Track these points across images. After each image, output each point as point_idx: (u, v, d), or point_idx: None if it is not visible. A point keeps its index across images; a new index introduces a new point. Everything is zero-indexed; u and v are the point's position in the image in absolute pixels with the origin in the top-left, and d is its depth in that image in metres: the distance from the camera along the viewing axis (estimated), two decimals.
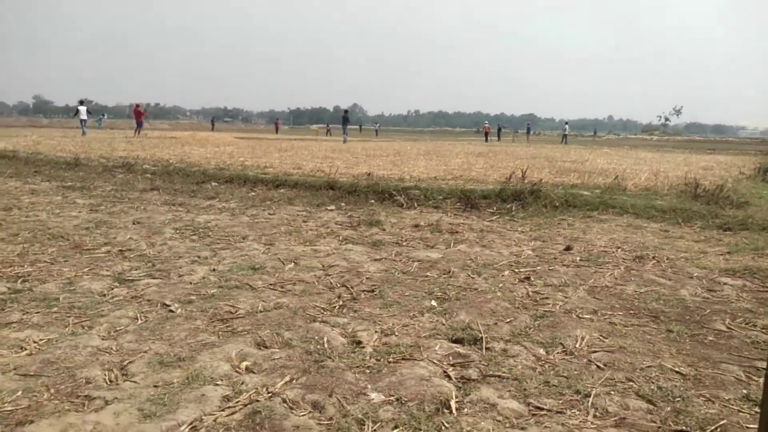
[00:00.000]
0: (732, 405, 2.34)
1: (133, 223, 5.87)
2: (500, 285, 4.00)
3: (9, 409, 2.16)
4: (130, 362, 2.60)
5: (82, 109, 28.65)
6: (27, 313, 3.19)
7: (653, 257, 4.92)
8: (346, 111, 32.26)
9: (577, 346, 2.92)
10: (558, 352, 2.84)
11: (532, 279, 4.17)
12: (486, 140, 44.26)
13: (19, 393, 2.28)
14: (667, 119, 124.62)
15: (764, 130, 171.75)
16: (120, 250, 4.70)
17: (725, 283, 4.17)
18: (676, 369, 2.67)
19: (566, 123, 51.61)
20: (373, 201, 7.78)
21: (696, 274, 4.42)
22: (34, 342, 2.78)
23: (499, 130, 53.75)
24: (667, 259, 4.89)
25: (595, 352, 2.86)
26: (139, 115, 30.58)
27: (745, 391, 2.46)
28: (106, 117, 63.79)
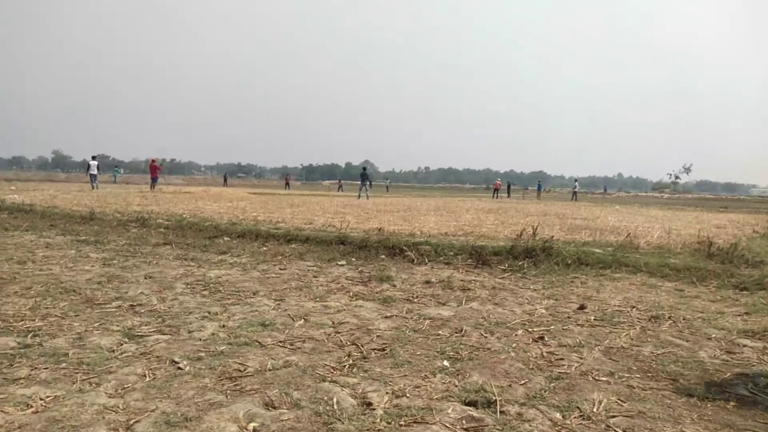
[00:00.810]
0: None
1: (145, 278, 5.89)
2: (514, 345, 3.93)
3: None
4: (136, 422, 2.55)
5: (93, 164, 29.89)
6: (35, 368, 3.17)
7: (669, 317, 4.83)
8: (364, 168, 31.63)
9: (594, 410, 2.83)
10: (575, 417, 2.76)
11: (546, 339, 4.10)
12: (494, 196, 44.53)
13: None
14: (677, 177, 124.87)
15: None
16: (131, 305, 4.70)
17: (745, 345, 4.07)
18: None
19: (576, 180, 52.02)
20: (383, 256, 7.77)
21: (714, 336, 4.31)
22: (41, 399, 2.75)
23: (509, 186, 54.20)
24: (683, 319, 4.80)
25: (613, 417, 2.77)
26: (154, 170, 31.28)
27: None
28: (122, 172, 65.13)
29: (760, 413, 2.89)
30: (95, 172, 29.90)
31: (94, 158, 30.64)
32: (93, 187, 28.48)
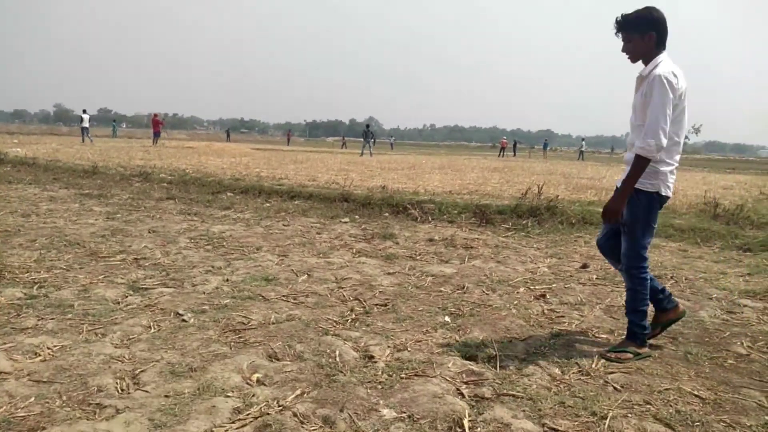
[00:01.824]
0: None
1: (149, 232, 5.91)
2: (515, 302, 3.95)
3: (21, 414, 2.16)
4: (141, 371, 2.59)
5: (85, 117, 30.33)
6: (42, 319, 3.21)
7: (671, 277, 4.84)
8: (367, 125, 30.90)
9: (593, 366, 2.87)
10: (574, 372, 2.79)
11: (548, 297, 4.12)
12: (500, 155, 44.14)
13: (32, 399, 2.28)
14: (686, 137, 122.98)
15: None
16: (135, 259, 4.73)
17: (745, 305, 4.08)
18: (695, 392, 2.60)
19: (583, 139, 51.45)
20: (387, 214, 7.77)
21: (715, 296, 4.33)
22: (48, 348, 2.79)
23: (515, 145, 53.65)
24: (685, 279, 4.81)
25: (611, 373, 2.81)
26: (157, 124, 31.13)
27: (767, 418, 2.39)
28: (124, 126, 64.79)
29: (756, 371, 2.92)
30: (86, 125, 30.21)
31: (84, 112, 30.97)
32: (89, 140, 28.72)
